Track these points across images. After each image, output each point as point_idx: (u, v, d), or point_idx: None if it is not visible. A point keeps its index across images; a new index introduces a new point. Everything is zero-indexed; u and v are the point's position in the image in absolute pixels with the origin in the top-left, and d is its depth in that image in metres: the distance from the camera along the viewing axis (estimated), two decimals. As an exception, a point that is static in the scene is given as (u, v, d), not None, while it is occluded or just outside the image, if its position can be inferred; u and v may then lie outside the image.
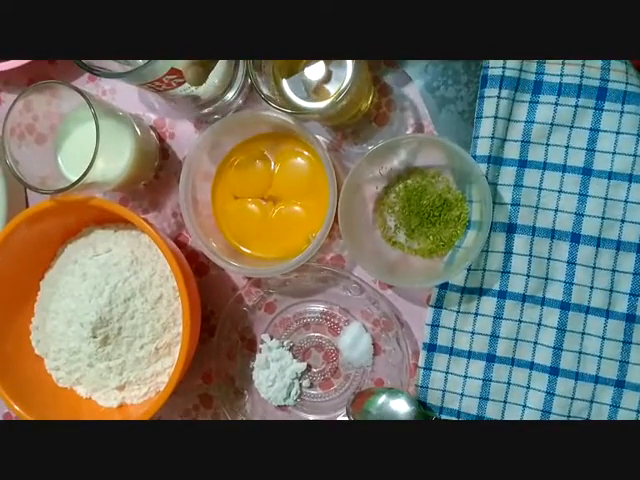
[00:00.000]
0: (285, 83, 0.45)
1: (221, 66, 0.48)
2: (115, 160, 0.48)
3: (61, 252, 0.52)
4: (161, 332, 0.49)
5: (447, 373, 0.48)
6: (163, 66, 0.40)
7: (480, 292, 0.48)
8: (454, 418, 0.48)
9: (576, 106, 0.46)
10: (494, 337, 0.47)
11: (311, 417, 0.52)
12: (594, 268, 0.46)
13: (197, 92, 0.47)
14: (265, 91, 0.43)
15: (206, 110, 0.52)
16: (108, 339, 0.49)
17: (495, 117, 0.46)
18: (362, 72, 0.43)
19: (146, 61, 0.39)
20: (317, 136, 0.50)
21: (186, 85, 0.45)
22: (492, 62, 0.47)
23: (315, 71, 0.45)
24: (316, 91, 0.45)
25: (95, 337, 0.48)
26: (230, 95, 0.51)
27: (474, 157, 0.47)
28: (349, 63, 0.42)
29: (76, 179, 0.44)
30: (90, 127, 0.44)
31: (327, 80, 0.45)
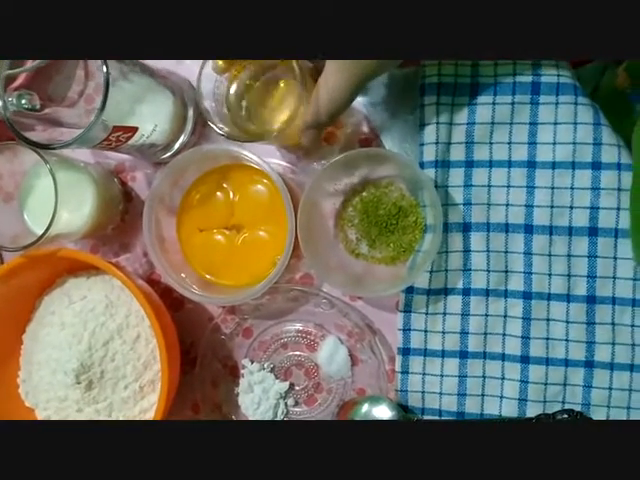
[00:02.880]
0: (240, 113, 0.47)
1: (171, 110, 0.49)
2: (77, 210, 0.49)
3: (39, 304, 0.54)
4: (143, 370, 0.50)
5: (424, 374, 0.49)
6: (105, 127, 0.42)
7: (445, 292, 0.49)
8: (436, 417, 0.49)
9: (513, 103, 0.47)
10: (464, 334, 0.49)
11: (300, 434, 0.53)
12: (550, 256, 0.47)
13: (151, 140, 0.49)
14: (219, 124, 0.44)
15: (167, 154, 0.53)
16: (92, 383, 0.50)
17: (437, 123, 0.48)
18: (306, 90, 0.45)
19: (85, 128, 0.40)
20: (272, 160, 0.52)
21: (136, 138, 0.46)
22: (428, 71, 0.48)
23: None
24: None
25: (79, 383, 0.49)
26: (184, 136, 0.53)
27: (422, 163, 0.48)
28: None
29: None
30: (50, 181, 0.45)
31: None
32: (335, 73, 0.41)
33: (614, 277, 0.46)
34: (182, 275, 0.51)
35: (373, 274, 0.50)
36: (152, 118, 0.48)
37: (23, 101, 0.45)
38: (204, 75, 0.43)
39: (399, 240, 0.50)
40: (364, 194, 0.51)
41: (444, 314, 0.49)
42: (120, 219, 0.55)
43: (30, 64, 0.47)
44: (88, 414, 0.51)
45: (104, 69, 0.40)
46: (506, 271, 0.48)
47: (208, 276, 0.53)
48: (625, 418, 0.47)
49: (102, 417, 0.51)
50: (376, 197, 0.50)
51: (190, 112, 0.53)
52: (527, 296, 0.48)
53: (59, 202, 0.45)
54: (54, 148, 0.42)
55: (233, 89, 0.46)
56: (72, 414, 0.52)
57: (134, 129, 0.45)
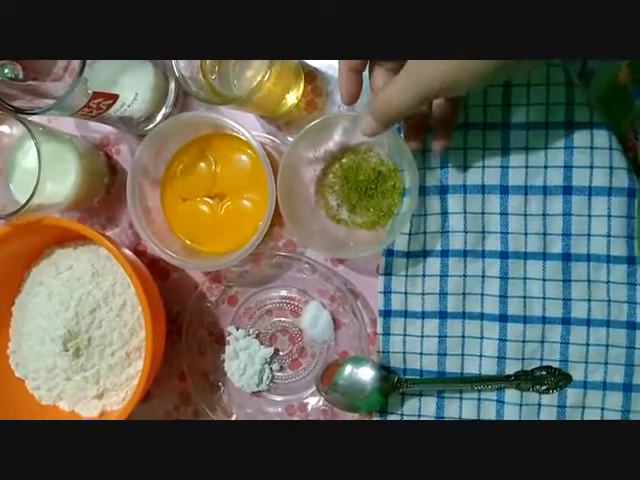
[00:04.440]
0: (214, 79, 0.48)
1: (152, 81, 0.50)
2: (62, 181, 0.50)
3: (27, 276, 0.55)
4: (129, 337, 0.51)
5: (405, 335, 0.50)
6: (86, 93, 0.42)
7: (424, 254, 0.50)
8: (417, 377, 0.50)
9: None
10: (443, 294, 0.49)
11: (286, 399, 0.54)
12: (525, 215, 0.48)
13: (132, 109, 0.49)
14: (194, 88, 0.45)
15: (150, 126, 0.54)
16: (80, 350, 0.51)
17: (414, 88, 0.49)
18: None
19: (65, 92, 0.41)
20: (253, 132, 0.52)
21: (117, 106, 0.47)
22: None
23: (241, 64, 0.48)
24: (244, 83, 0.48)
25: (67, 350, 0.50)
26: (166, 108, 0.54)
27: (399, 128, 0.49)
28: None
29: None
30: (35, 154, 0.46)
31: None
32: (401, 80, 0.38)
33: (589, 234, 0.47)
34: (167, 244, 0.52)
35: (355, 238, 0.51)
36: (133, 87, 0.48)
37: (6, 70, 0.46)
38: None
39: (379, 205, 0.51)
40: (344, 160, 0.52)
41: (423, 276, 0.50)
42: (106, 192, 0.56)
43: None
44: (76, 382, 0.52)
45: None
46: (483, 232, 0.49)
47: (193, 244, 0.54)
48: (602, 374, 0.47)
49: (90, 384, 0.52)
50: (355, 163, 0.51)
51: (172, 85, 0.53)
52: (504, 255, 0.48)
53: (43, 173, 0.46)
54: (35, 113, 0.43)
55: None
56: (61, 383, 0.53)
57: (115, 96, 0.46)
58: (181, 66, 0.45)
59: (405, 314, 0.50)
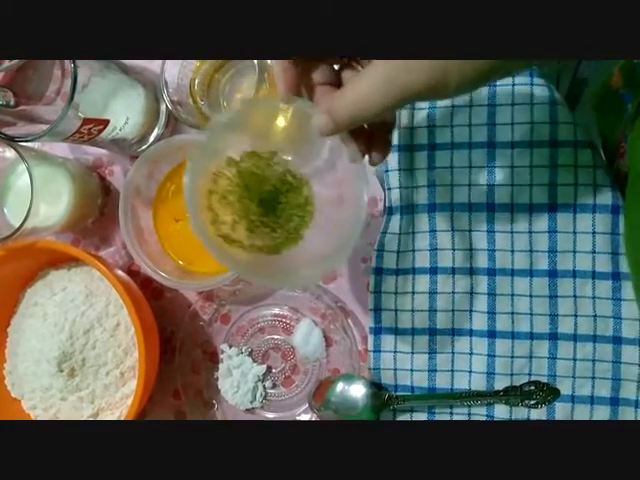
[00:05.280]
0: (203, 104, 0.49)
1: (142, 104, 0.51)
2: (55, 203, 0.51)
3: (22, 298, 0.55)
4: (123, 357, 0.52)
5: (395, 352, 0.51)
6: (77, 119, 0.43)
7: (413, 271, 0.50)
8: (408, 393, 0.50)
9: (472, 86, 0.49)
10: (433, 311, 0.50)
11: (278, 415, 0.54)
12: (512, 233, 0.49)
13: (124, 133, 0.50)
14: (183, 115, 0.46)
15: (142, 147, 0.55)
16: (74, 371, 0.52)
17: (399, 108, 0.49)
18: (267, 81, 0.46)
19: (57, 117, 0.42)
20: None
21: (108, 130, 0.48)
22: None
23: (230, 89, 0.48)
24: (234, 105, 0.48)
25: (62, 371, 0.51)
26: (158, 130, 0.54)
27: None
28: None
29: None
30: (28, 177, 0.47)
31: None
32: (372, 78, 0.31)
33: (574, 251, 0.48)
34: (160, 265, 0.53)
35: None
36: (124, 111, 0.49)
37: (-3, 98, 0.47)
38: (169, 66, 0.45)
39: (287, 223, 0.41)
40: (243, 164, 0.40)
41: (413, 293, 0.51)
42: (99, 213, 0.57)
43: (9, 63, 0.49)
44: (71, 402, 0.53)
45: (71, 64, 0.42)
46: (471, 249, 0.50)
47: (185, 264, 0.55)
48: (590, 388, 0.48)
49: (85, 404, 0.53)
50: (259, 169, 0.40)
51: (163, 106, 0.54)
52: (491, 272, 0.49)
53: (36, 196, 0.47)
54: (27, 140, 0.44)
55: (197, 81, 0.48)
56: (56, 403, 0.53)
57: (106, 121, 0.47)
58: (170, 91, 0.45)
59: (395, 331, 0.51)
